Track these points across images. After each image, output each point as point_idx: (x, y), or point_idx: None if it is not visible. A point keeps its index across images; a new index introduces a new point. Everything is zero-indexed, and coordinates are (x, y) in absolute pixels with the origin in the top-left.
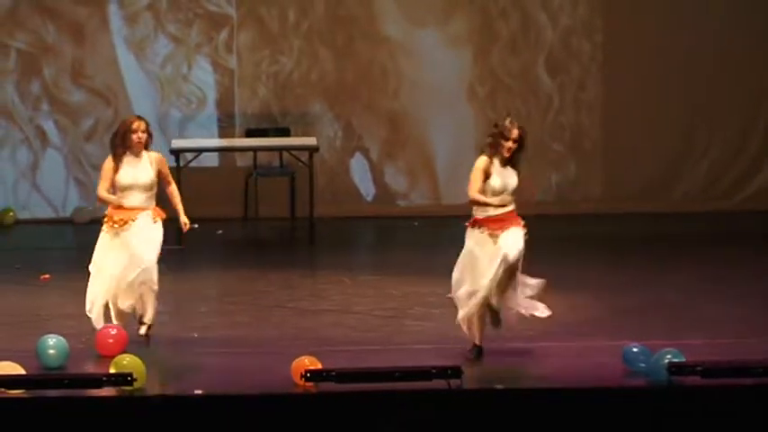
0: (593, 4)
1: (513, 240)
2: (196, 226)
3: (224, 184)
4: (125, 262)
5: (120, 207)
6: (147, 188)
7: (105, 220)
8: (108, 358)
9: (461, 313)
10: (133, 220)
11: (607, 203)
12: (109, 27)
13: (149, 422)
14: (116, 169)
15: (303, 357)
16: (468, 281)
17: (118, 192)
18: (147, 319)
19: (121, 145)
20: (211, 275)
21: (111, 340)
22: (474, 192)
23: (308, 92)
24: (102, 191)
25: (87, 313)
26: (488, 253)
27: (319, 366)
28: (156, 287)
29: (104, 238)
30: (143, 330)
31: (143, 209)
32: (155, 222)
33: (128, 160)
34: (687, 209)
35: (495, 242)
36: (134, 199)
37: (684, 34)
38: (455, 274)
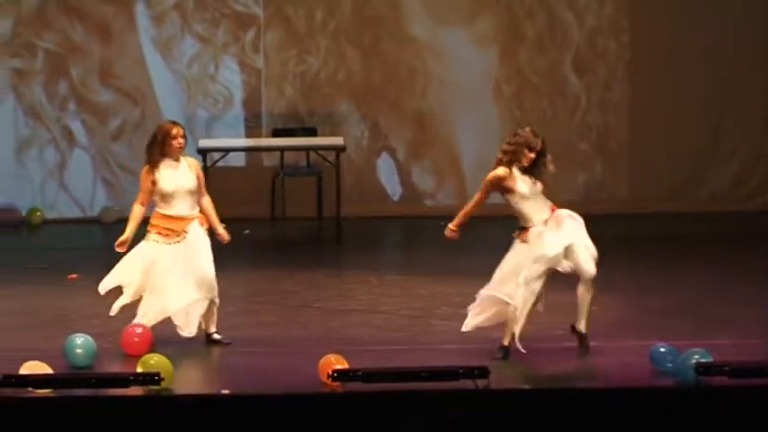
0: (619, 3)
1: (552, 241)
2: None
3: (251, 183)
4: (185, 278)
5: (166, 216)
6: (192, 193)
7: (151, 228)
8: (134, 357)
9: (517, 328)
10: (186, 232)
11: (633, 203)
12: (136, 27)
13: (176, 422)
14: (155, 179)
15: (329, 356)
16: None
17: (161, 201)
18: (215, 326)
19: (160, 152)
20: (238, 275)
21: (136, 339)
22: (469, 206)
23: (334, 91)
24: (139, 208)
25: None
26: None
27: (345, 364)
28: (218, 300)
29: (152, 249)
30: (219, 336)
31: (191, 218)
32: (204, 231)
33: (165, 166)
34: (714, 209)
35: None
36: (180, 206)
37: (712, 33)
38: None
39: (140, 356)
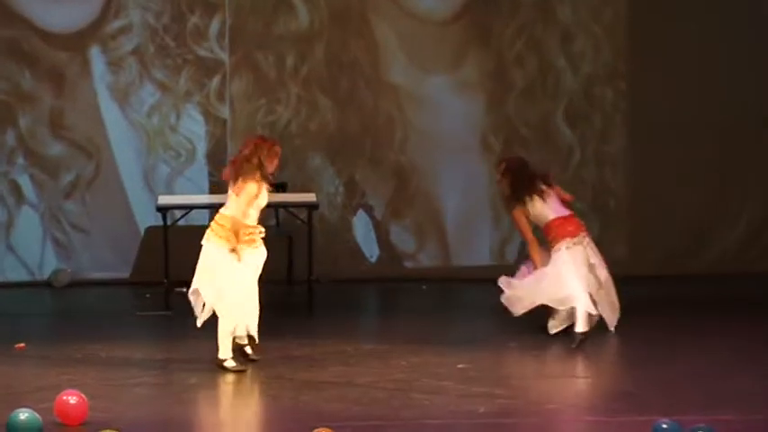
0: (616, 48)
1: None
2: (185, 290)
3: None
4: None
5: None
6: None
7: None
8: (70, 427)
9: None
10: None
11: (633, 266)
12: (91, 73)
13: None
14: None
15: (320, 429)
16: None
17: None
18: None
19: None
20: (201, 344)
21: (72, 411)
22: None
23: (307, 143)
24: None
25: None
26: None
27: None
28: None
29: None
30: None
31: None
32: None
33: None
34: (720, 271)
35: None
36: None
37: (716, 81)
38: None
39: (77, 425)
